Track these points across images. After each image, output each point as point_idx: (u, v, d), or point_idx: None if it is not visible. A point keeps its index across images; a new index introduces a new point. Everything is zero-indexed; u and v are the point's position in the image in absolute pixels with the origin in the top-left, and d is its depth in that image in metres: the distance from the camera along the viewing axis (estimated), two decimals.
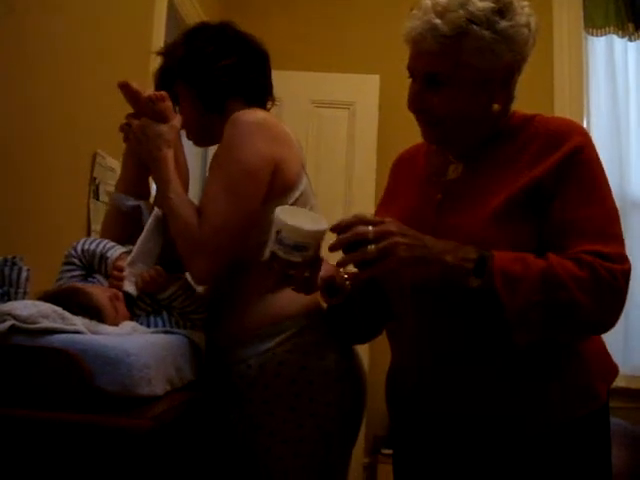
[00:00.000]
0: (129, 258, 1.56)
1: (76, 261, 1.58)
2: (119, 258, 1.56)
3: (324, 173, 3.67)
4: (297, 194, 1.61)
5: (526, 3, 1.33)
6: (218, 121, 1.66)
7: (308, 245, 1.24)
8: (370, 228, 1.17)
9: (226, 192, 1.51)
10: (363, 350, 1.72)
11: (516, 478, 1.28)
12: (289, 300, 1.53)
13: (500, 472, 1.29)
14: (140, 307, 1.53)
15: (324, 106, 3.76)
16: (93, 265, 1.58)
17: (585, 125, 3.95)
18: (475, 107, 1.32)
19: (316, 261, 1.28)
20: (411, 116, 1.40)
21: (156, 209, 1.62)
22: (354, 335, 1.56)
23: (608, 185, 1.30)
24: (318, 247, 1.27)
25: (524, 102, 1.42)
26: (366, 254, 1.16)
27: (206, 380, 1.55)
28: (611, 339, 1.31)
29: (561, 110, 3.88)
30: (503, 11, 1.28)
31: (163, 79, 1.74)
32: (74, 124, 2.15)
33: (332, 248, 1.19)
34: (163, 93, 1.65)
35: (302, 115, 3.73)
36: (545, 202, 1.26)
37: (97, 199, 2.31)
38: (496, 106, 1.32)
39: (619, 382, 1.33)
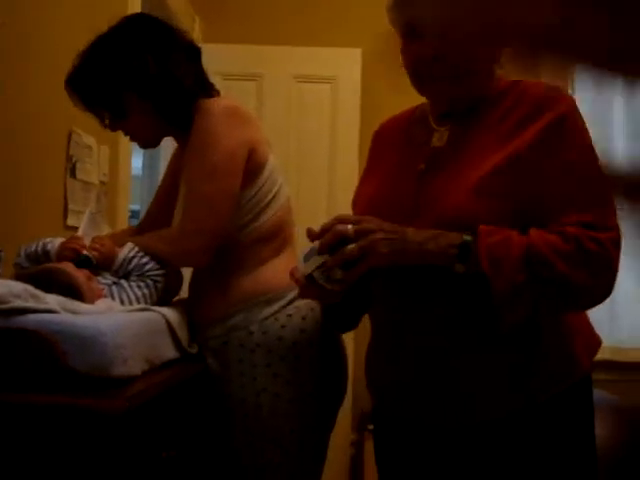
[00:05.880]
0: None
1: (26, 265, 1.58)
2: (66, 241, 1.59)
3: (307, 148, 3.63)
4: (267, 173, 1.68)
5: None
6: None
7: None
8: (349, 227, 1.18)
9: (209, 176, 1.59)
10: None
11: (499, 456, 1.26)
12: (278, 270, 1.64)
13: (482, 451, 1.27)
14: (100, 282, 1.52)
15: (306, 81, 3.69)
16: (40, 263, 1.56)
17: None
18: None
19: None
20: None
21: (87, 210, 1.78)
22: (342, 322, 1.55)
23: (595, 152, 1.25)
24: None
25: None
26: (348, 254, 1.17)
27: (194, 356, 1.58)
28: (596, 310, 1.30)
29: None
30: None
31: (98, 90, 1.67)
32: (48, 102, 2.10)
33: (320, 252, 1.20)
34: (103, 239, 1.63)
35: (284, 90, 3.68)
36: (530, 172, 1.23)
37: (74, 177, 2.27)
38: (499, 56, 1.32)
39: (604, 354, 1.32)
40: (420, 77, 1.33)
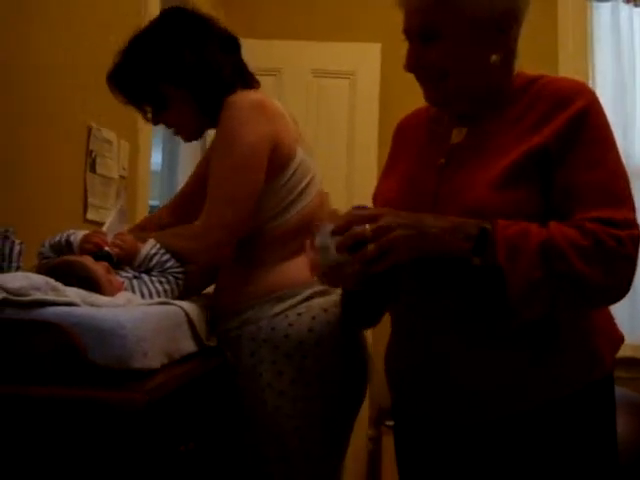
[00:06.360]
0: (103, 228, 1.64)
1: (50, 255, 1.59)
2: (88, 234, 1.60)
3: (325, 143, 3.60)
4: (295, 165, 1.67)
5: None
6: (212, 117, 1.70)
7: None
8: (367, 226, 1.17)
9: (233, 169, 1.61)
10: None
11: (519, 453, 1.25)
12: (300, 268, 1.60)
13: (501, 448, 1.26)
14: (121, 275, 1.53)
15: (324, 76, 3.68)
16: (63, 254, 1.57)
17: None
18: (474, 57, 1.29)
19: None
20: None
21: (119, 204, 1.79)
22: (363, 318, 1.55)
23: (616, 148, 1.25)
24: None
25: (528, 69, 1.38)
26: (367, 255, 1.17)
27: (213, 349, 1.58)
28: (617, 307, 1.28)
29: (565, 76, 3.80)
30: None
31: (137, 84, 1.69)
32: (68, 96, 2.11)
33: (338, 250, 1.21)
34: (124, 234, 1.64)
35: (302, 85, 3.67)
36: (551, 166, 1.22)
37: (94, 172, 2.28)
38: (494, 57, 1.28)
39: (625, 352, 1.31)
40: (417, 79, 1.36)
